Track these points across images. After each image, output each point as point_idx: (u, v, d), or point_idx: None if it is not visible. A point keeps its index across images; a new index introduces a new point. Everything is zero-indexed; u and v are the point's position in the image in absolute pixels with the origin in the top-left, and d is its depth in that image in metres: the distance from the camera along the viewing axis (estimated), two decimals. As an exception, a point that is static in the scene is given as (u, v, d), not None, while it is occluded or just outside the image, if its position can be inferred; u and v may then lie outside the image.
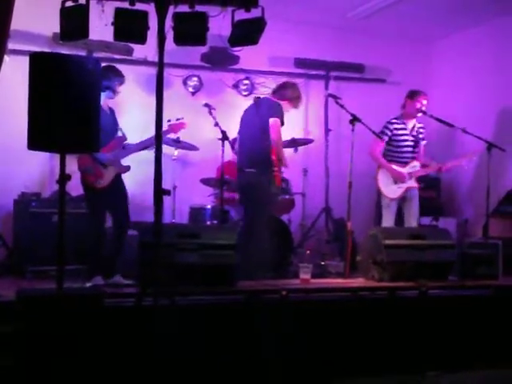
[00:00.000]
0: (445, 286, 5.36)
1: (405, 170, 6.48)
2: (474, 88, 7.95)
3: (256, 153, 5.79)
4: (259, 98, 6.08)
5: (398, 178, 6.45)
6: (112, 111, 5.54)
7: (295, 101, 6.01)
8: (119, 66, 5.68)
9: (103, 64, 5.46)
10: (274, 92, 6.05)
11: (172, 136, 6.20)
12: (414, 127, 6.59)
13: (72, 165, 4.93)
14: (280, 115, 5.76)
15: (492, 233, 6.54)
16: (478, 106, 7.78)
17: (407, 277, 5.29)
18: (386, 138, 6.52)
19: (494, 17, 7.53)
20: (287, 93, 5.95)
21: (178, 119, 5.76)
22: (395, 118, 6.59)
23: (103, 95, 5.27)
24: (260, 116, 5.81)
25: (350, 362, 4.65)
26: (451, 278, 5.61)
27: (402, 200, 6.51)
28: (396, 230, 6.06)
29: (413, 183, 6.47)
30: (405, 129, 6.55)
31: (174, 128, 5.71)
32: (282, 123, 5.79)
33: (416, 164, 6.53)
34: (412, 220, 6.48)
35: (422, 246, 5.48)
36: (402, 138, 6.54)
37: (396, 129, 6.53)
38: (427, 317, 4.93)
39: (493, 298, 5.26)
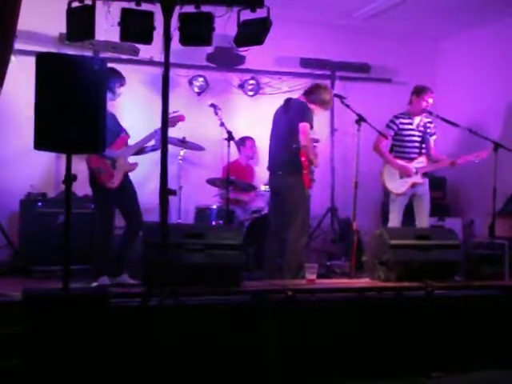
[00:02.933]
0: (451, 286, 5.33)
1: (411, 165, 6.45)
2: (480, 88, 7.93)
3: (284, 155, 5.81)
4: (290, 98, 6.05)
5: (403, 173, 6.42)
6: (113, 116, 5.52)
7: (326, 104, 6.00)
8: (125, 67, 5.71)
9: (116, 67, 5.50)
10: (306, 94, 5.99)
11: (171, 129, 6.13)
12: (420, 122, 6.57)
13: (78, 165, 4.94)
14: (310, 119, 5.76)
15: (498, 233, 6.51)
16: (485, 105, 7.77)
17: (413, 277, 5.27)
18: (392, 133, 6.50)
19: (500, 16, 7.51)
20: (320, 97, 5.92)
21: (174, 112, 5.73)
22: (401, 114, 6.57)
23: None
24: (289, 118, 5.81)
25: (356, 363, 4.64)
26: (457, 278, 5.59)
27: (412, 197, 6.48)
28: (402, 230, 6.04)
29: (419, 179, 6.43)
30: (411, 124, 6.53)
31: (171, 121, 5.67)
32: (311, 127, 5.78)
33: (423, 160, 6.50)
34: (423, 218, 6.44)
35: (427, 246, 5.46)
36: (408, 133, 6.52)
37: (402, 123, 6.51)
38: (433, 317, 4.91)
39: (499, 299, 5.24)
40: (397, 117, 6.55)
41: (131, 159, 5.46)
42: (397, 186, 6.44)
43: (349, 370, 4.61)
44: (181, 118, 5.75)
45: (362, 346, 4.69)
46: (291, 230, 5.70)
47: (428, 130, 6.59)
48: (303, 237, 5.79)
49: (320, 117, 8.11)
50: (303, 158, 5.71)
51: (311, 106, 5.89)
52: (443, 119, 6.52)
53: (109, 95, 5.29)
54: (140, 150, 5.57)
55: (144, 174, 5.95)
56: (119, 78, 5.43)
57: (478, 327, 5.01)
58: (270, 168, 6.00)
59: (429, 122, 6.62)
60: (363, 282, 5.52)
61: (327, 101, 5.97)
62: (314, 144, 6.10)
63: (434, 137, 6.66)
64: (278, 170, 5.87)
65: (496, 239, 6.39)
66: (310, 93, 5.98)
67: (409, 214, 6.52)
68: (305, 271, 5.32)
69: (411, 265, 5.35)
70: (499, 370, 4.85)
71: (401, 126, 6.52)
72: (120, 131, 5.47)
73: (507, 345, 5.05)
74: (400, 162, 6.47)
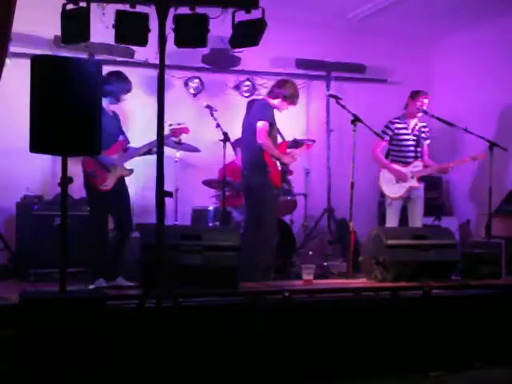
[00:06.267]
0: (448, 285, 5.35)
1: (407, 170, 6.47)
2: (475, 87, 7.95)
3: (249, 156, 5.83)
4: (253, 100, 6.09)
5: (399, 178, 6.44)
6: (115, 114, 5.54)
7: (291, 98, 5.89)
8: (121, 69, 5.68)
9: (112, 69, 5.48)
10: (269, 92, 6.00)
11: (173, 139, 6.19)
12: (415, 126, 6.58)
13: (74, 167, 4.93)
14: (268, 117, 5.71)
15: (495, 232, 6.54)
16: (480, 105, 7.78)
17: (410, 277, 5.29)
18: (387, 138, 6.53)
19: (495, 16, 7.52)
20: (280, 91, 5.86)
21: (179, 124, 5.76)
22: (397, 118, 6.59)
23: (106, 100, 5.26)
24: (250, 119, 5.82)
25: (353, 363, 4.65)
26: (454, 277, 5.60)
27: (407, 200, 6.50)
28: (398, 230, 6.05)
29: (415, 183, 6.45)
30: (406, 128, 6.55)
31: (175, 132, 5.71)
32: (272, 124, 5.75)
33: (419, 164, 6.52)
34: (416, 221, 6.47)
35: (424, 245, 5.47)
36: (404, 137, 6.54)
37: (397, 128, 6.54)
38: (430, 317, 4.92)
39: (496, 298, 5.25)
40: (392, 122, 6.57)
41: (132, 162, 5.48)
42: (393, 190, 6.46)
43: (347, 369, 4.61)
44: (185, 131, 5.77)
45: (360, 346, 4.69)
46: (261, 231, 5.65)
47: (423, 135, 6.60)
48: (274, 236, 5.76)
49: (315, 117, 8.22)
50: (267, 157, 5.71)
51: (274, 102, 5.86)
52: (439, 118, 6.54)
53: (110, 99, 5.33)
54: (147, 151, 5.56)
55: (140, 176, 5.94)
56: (123, 84, 5.37)
57: (476, 326, 5.01)
58: (241, 170, 6.01)
59: (423, 127, 6.63)
60: (360, 282, 5.53)
61: (290, 94, 5.88)
62: (309, 144, 6.20)
63: (428, 141, 6.67)
64: (244, 170, 5.87)
65: (492, 238, 6.41)
66: (271, 89, 5.97)
67: (403, 216, 6.54)
68: (302, 273, 5.33)
69: (408, 265, 5.36)
70: (497, 368, 4.86)
71: (396, 131, 6.54)
72: (118, 134, 5.46)
73: (505, 343, 5.06)
74: (396, 166, 6.49)
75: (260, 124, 5.64)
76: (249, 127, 5.79)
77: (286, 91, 5.88)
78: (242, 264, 5.05)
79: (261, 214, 5.70)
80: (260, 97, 6.27)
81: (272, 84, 6.12)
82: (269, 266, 5.64)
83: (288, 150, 6.16)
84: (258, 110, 5.78)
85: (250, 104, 5.99)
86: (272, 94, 5.92)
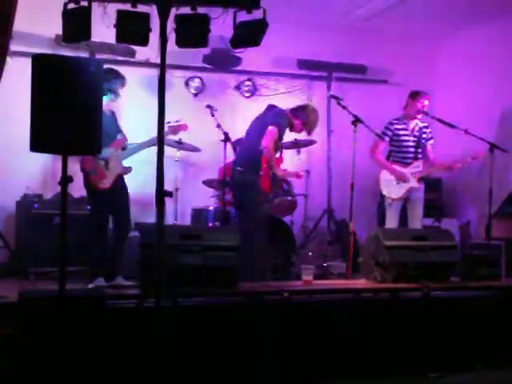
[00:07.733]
0: (447, 287, 5.34)
1: (407, 171, 6.47)
2: (476, 89, 7.94)
3: (247, 153, 5.88)
4: (275, 106, 6.09)
5: (399, 178, 6.44)
6: (113, 114, 5.54)
7: (308, 125, 6.06)
8: (121, 68, 5.69)
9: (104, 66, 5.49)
10: (293, 108, 6.09)
11: (173, 137, 6.18)
12: (415, 127, 6.58)
13: (74, 166, 4.94)
14: (280, 126, 5.78)
15: (495, 234, 6.53)
16: (481, 106, 7.77)
17: (409, 278, 5.28)
18: (387, 139, 6.53)
19: (497, 18, 7.51)
20: (302, 115, 6.01)
21: (177, 121, 5.76)
22: (396, 119, 6.59)
23: (106, 98, 5.27)
24: (263, 121, 5.85)
25: (353, 364, 4.64)
26: (453, 279, 5.60)
27: (406, 201, 6.50)
28: (398, 231, 6.04)
29: (415, 183, 6.45)
30: (406, 129, 6.55)
31: (173, 130, 5.71)
32: (281, 136, 5.81)
33: (419, 164, 6.52)
34: (415, 222, 6.48)
35: (424, 247, 5.47)
36: (404, 138, 6.54)
37: (397, 129, 6.54)
38: (430, 318, 4.92)
39: (495, 299, 5.25)
40: (391, 123, 6.58)
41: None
42: (393, 191, 6.47)
43: (347, 370, 4.61)
44: (183, 128, 5.76)
45: (359, 347, 4.69)
46: (248, 230, 5.63)
47: (424, 135, 6.60)
48: (262, 237, 5.74)
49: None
50: (264, 161, 5.78)
51: (294, 121, 5.99)
52: (439, 120, 6.54)
53: (111, 96, 5.35)
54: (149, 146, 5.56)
55: (140, 175, 5.94)
56: (120, 78, 5.43)
57: (475, 328, 5.01)
58: (232, 164, 6.05)
59: (424, 127, 6.62)
60: (360, 283, 5.52)
61: (310, 121, 6.04)
62: (300, 174, 6.45)
63: (431, 141, 6.66)
64: (237, 165, 5.91)
65: (492, 240, 6.41)
66: (297, 108, 6.09)
67: (402, 217, 6.54)
68: (301, 273, 5.32)
69: (407, 266, 5.35)
70: (497, 370, 4.86)
71: (396, 132, 6.54)
72: (116, 133, 5.47)
73: (504, 345, 5.06)
74: (396, 167, 6.49)
75: (271, 128, 5.70)
76: (259, 127, 5.82)
77: (306, 117, 6.01)
78: (241, 263, 5.04)
79: (247, 212, 5.77)
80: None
81: (299, 104, 6.24)
82: (261, 267, 5.63)
83: (282, 168, 6.29)
84: (276, 116, 5.84)
85: (271, 107, 5.99)
86: (295, 112, 6.03)
